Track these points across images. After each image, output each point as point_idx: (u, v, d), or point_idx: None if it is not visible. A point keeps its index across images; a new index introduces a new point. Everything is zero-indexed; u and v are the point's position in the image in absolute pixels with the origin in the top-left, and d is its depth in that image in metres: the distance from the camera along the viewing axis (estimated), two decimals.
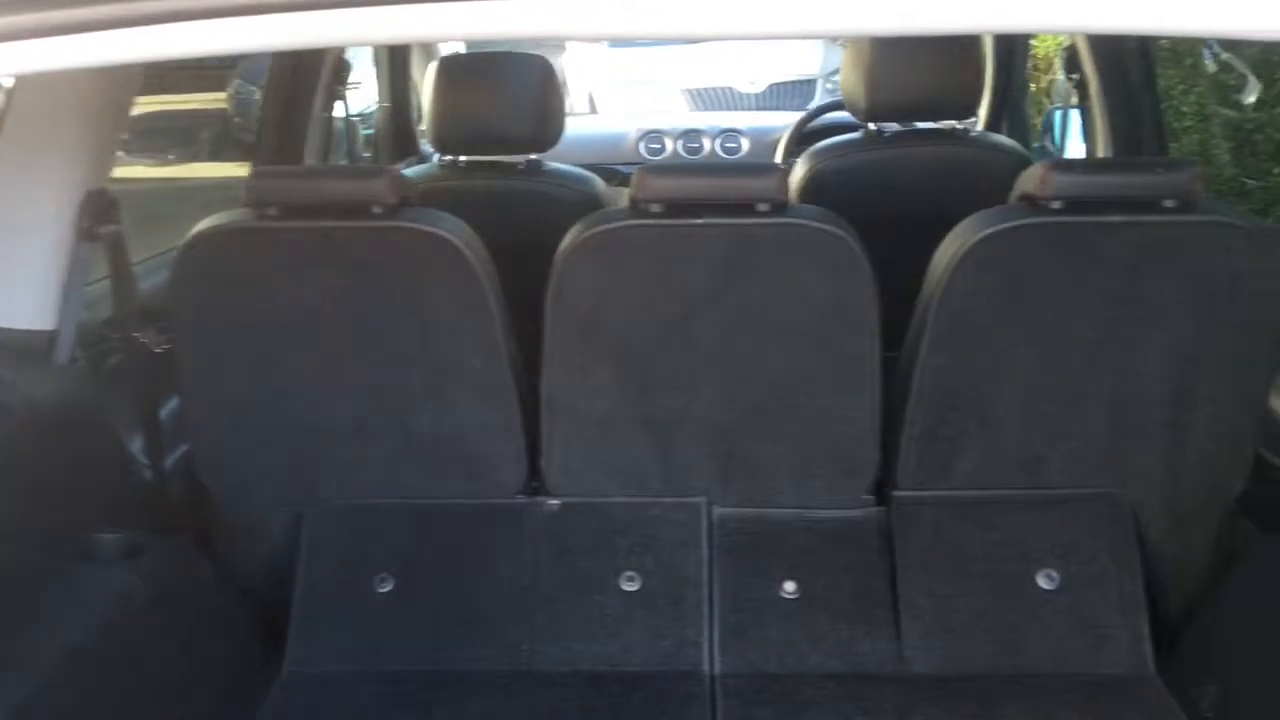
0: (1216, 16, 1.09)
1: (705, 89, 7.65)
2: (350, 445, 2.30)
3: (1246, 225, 2.08)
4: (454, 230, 2.15)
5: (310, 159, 3.36)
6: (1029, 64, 4.51)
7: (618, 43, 7.54)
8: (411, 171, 2.98)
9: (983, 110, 3.78)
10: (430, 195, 2.55)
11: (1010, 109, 3.88)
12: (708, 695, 2.17)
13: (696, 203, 2.16)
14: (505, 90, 2.83)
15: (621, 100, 7.61)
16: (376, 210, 2.10)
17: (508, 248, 2.26)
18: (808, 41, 7.24)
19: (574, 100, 7.65)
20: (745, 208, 2.14)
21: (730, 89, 7.54)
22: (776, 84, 7.45)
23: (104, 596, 1.92)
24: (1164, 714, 2.09)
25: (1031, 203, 2.10)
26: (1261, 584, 2.09)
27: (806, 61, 7.46)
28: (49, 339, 2.08)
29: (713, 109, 7.44)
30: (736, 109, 7.22)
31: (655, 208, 2.14)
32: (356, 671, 2.25)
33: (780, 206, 2.15)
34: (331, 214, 2.14)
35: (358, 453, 2.31)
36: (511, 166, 2.92)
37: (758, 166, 3.30)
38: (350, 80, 3.48)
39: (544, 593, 2.30)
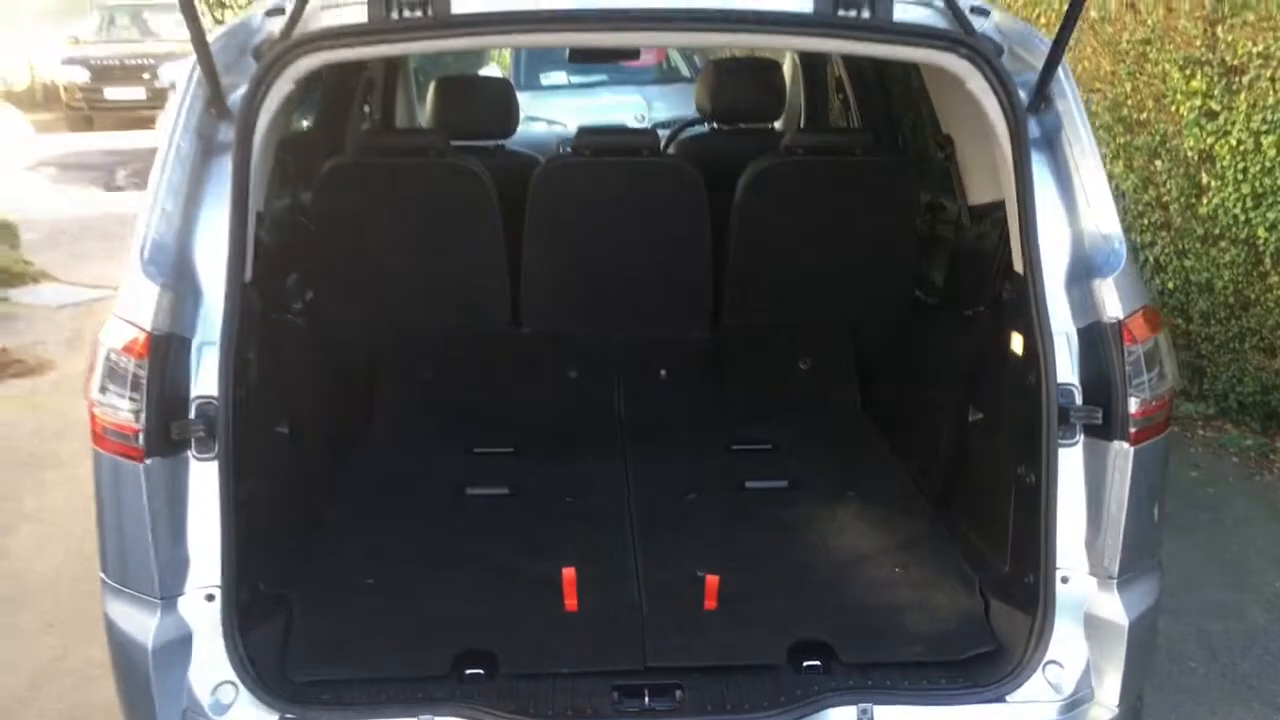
0: None
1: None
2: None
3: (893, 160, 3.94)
4: (477, 167, 3.85)
5: None
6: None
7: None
8: None
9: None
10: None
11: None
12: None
13: (604, 151, 3.92)
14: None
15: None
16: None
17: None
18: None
19: None
20: (634, 150, 3.92)
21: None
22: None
23: None
24: None
25: (788, 151, 3.92)
26: None
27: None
28: None
29: None
30: None
31: (566, 149, 3.92)
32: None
33: (654, 152, 3.95)
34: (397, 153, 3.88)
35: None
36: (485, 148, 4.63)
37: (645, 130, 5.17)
38: None
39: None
